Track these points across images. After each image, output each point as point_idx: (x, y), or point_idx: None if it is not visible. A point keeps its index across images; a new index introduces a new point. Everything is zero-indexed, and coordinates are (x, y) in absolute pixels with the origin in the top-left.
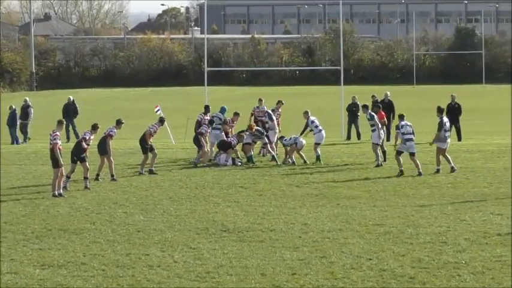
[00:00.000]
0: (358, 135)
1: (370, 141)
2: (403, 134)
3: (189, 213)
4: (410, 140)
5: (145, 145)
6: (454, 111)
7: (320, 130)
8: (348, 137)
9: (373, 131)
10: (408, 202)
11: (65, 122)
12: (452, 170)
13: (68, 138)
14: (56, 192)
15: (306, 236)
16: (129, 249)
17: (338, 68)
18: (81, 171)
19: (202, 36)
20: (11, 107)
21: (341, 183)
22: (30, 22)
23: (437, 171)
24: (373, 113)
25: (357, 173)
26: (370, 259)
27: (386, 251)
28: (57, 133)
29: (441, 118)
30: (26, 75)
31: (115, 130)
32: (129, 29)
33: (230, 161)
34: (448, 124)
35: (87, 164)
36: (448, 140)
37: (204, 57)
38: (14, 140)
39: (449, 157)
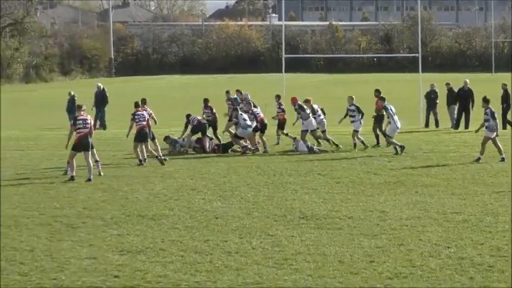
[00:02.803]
0: (437, 123)
1: (452, 129)
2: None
3: (267, 200)
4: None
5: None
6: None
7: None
8: (426, 125)
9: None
10: (487, 190)
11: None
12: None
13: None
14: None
15: (384, 223)
16: (207, 235)
17: (416, 55)
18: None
19: (280, 23)
20: (70, 93)
21: (419, 171)
22: (109, 9)
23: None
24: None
25: (435, 160)
26: (449, 247)
27: (465, 239)
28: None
29: (490, 108)
30: (105, 61)
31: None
32: (207, 15)
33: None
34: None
35: (95, 151)
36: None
37: (282, 44)
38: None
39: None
